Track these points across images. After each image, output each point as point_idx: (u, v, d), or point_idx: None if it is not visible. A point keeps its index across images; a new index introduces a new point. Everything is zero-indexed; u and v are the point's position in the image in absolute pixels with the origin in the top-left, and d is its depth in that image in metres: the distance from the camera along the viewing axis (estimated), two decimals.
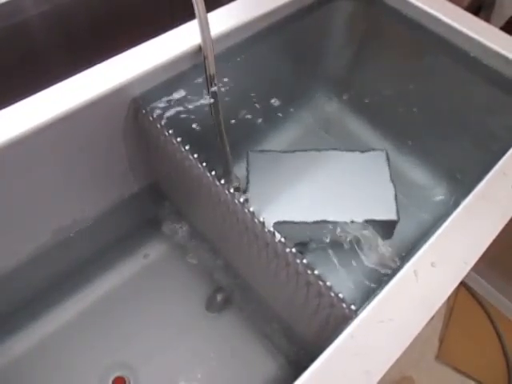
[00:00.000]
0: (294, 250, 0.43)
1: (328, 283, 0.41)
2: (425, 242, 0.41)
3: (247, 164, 0.66)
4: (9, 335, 0.61)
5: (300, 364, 0.59)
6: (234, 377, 0.62)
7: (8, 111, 0.47)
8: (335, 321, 0.43)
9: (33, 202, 0.52)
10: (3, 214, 0.50)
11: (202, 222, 0.62)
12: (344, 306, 0.41)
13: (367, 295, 0.42)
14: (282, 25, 0.63)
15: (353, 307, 0.40)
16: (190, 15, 0.58)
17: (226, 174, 0.61)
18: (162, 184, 0.66)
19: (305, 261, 0.43)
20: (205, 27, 0.52)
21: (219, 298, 0.67)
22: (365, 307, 0.39)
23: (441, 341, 1.02)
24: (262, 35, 0.61)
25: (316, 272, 0.42)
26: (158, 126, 0.52)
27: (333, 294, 0.41)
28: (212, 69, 0.55)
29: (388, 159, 0.66)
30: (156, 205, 0.66)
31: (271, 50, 0.65)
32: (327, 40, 0.72)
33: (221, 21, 0.58)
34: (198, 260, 0.66)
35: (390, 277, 0.41)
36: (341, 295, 0.41)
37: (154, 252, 0.69)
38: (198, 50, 0.55)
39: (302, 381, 0.33)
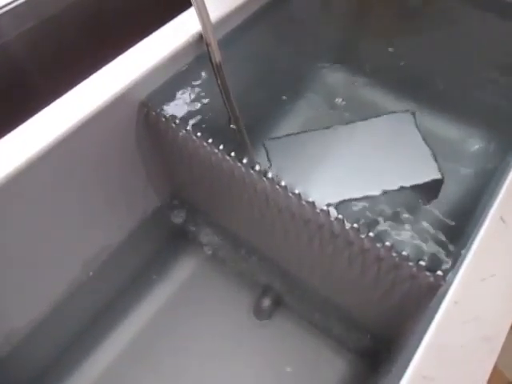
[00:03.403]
0: (355, 224, 0.39)
1: (404, 252, 0.37)
2: (502, 184, 0.37)
3: (266, 154, 0.62)
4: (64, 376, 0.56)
5: (373, 354, 0.54)
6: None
7: (9, 138, 0.42)
8: (418, 293, 0.38)
9: (55, 235, 0.47)
10: (26, 256, 0.46)
11: (237, 223, 0.58)
12: (428, 274, 0.36)
13: (443, 259, 0.38)
14: (280, 2, 0.59)
15: (439, 273, 0.35)
16: (178, 8, 0.54)
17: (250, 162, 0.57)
18: (185, 190, 0.61)
19: (371, 234, 0.38)
20: (203, 12, 0.48)
21: (267, 302, 0.62)
22: (455, 270, 0.34)
23: None
24: (260, 15, 0.58)
25: (388, 243, 0.37)
26: (173, 125, 0.47)
27: (412, 264, 0.37)
28: (217, 56, 0.51)
29: (415, 119, 0.62)
30: (181, 215, 0.62)
31: (271, 29, 0.61)
32: (327, 10, 0.68)
33: (216, 5, 0.54)
34: (238, 265, 0.61)
35: (471, 231, 0.36)
36: (422, 263, 0.36)
37: (188, 266, 0.64)
38: (200, 39, 0.51)
39: (417, 360, 0.29)
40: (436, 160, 0.58)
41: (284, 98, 0.72)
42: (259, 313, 0.62)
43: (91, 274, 0.52)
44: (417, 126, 0.62)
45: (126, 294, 0.60)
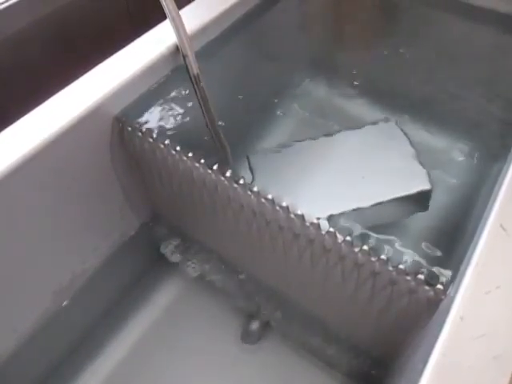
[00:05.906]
0: (348, 237, 0.36)
1: (401, 266, 0.34)
2: (498, 191, 0.35)
3: (250, 167, 0.59)
4: None
5: (370, 377, 0.51)
6: None
7: None
8: (417, 309, 0.36)
9: (23, 262, 0.43)
10: None
11: (222, 242, 0.54)
12: (427, 288, 0.34)
13: (442, 272, 0.35)
14: (257, 13, 0.58)
15: (439, 286, 0.33)
16: (151, 22, 0.52)
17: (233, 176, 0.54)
18: (165, 209, 0.58)
19: (365, 247, 0.36)
20: (178, 23, 0.47)
21: (255, 325, 0.59)
22: (456, 283, 0.32)
23: None
24: (238, 26, 0.56)
25: (383, 257, 0.35)
26: (150, 139, 0.45)
27: (409, 278, 0.34)
28: (195, 68, 0.49)
29: (400, 128, 0.60)
30: (162, 236, 0.58)
31: (251, 41, 0.60)
32: (306, 22, 0.68)
33: (193, 17, 0.52)
34: (223, 287, 0.58)
35: (470, 241, 0.34)
36: (421, 276, 0.34)
37: (171, 290, 0.60)
38: (176, 51, 0.49)
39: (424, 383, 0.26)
40: (425, 169, 0.56)
41: (266, 110, 0.70)
42: (247, 337, 0.59)
43: (65, 303, 0.47)
44: (404, 134, 0.60)
45: (103, 324, 0.55)
